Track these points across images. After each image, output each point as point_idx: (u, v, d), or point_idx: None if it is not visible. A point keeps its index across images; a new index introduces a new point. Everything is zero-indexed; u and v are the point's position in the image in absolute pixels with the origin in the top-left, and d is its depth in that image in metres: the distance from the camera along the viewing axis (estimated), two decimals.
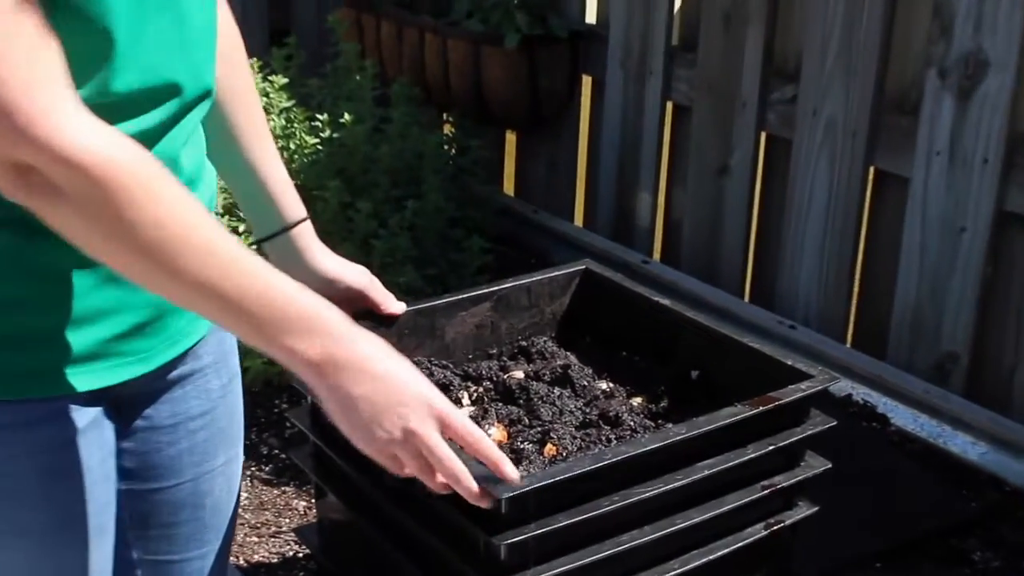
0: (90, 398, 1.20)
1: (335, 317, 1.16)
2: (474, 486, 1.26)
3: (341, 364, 1.15)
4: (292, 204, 1.50)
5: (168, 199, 1.07)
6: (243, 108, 1.41)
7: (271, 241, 1.51)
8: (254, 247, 1.53)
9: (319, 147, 2.96)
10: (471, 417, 1.64)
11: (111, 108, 1.09)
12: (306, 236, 1.52)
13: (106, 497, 1.25)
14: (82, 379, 1.18)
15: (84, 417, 1.20)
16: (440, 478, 1.24)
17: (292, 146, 2.96)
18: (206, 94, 1.22)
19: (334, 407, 1.18)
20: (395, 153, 3.01)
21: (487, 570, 1.43)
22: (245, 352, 1.60)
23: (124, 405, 1.27)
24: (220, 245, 1.09)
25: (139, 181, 1.05)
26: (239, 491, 1.44)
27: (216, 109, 1.35)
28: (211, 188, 1.30)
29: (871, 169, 2.72)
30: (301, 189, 2.92)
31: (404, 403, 1.18)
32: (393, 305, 1.68)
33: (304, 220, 1.51)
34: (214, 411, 1.35)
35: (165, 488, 1.32)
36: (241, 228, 2.76)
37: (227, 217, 2.78)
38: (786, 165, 2.86)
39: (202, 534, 1.37)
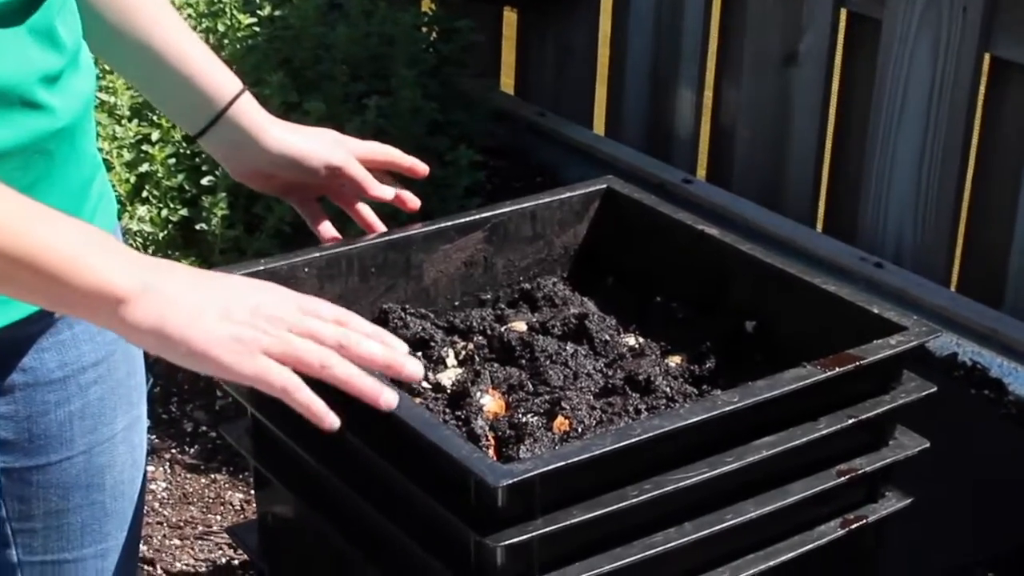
0: None
1: (145, 255, 1.19)
2: (390, 352, 1.26)
3: (162, 287, 1.17)
4: (219, 79, 1.52)
5: None
6: None
7: (208, 134, 1.53)
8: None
9: (256, 29, 2.95)
10: (457, 382, 1.66)
11: None
12: (250, 112, 1.54)
13: None
14: None
15: None
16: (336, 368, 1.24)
17: (221, 28, 2.96)
18: None
19: (171, 338, 1.17)
20: (356, 37, 3.00)
21: None
22: None
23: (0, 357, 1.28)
24: None
25: None
26: (146, 468, 1.45)
27: None
28: (90, 72, 1.31)
29: (986, 57, 2.71)
30: None
31: (251, 291, 1.22)
32: (378, 188, 1.69)
33: (242, 93, 1.53)
34: (111, 358, 1.36)
35: (52, 464, 1.33)
36: (155, 135, 2.76)
37: (136, 121, 2.78)
38: (873, 52, 2.85)
39: (101, 523, 1.38)
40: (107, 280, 1.14)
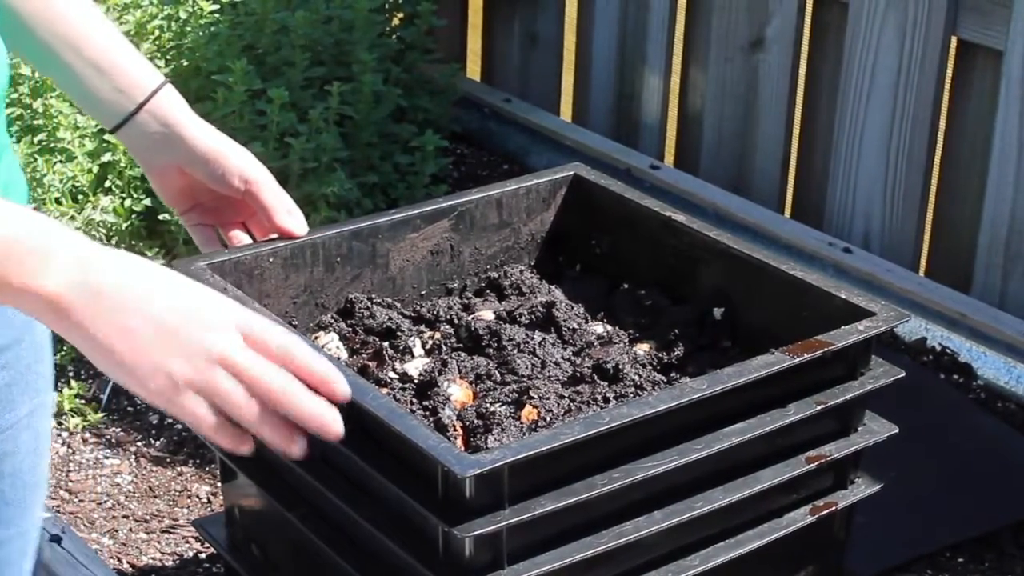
0: None
1: (78, 237, 1.16)
2: (340, 388, 1.25)
3: (95, 290, 1.14)
4: (137, 73, 1.50)
5: None
6: None
7: (126, 129, 1.52)
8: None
9: (218, 16, 2.94)
10: (424, 372, 1.66)
11: None
12: (171, 107, 1.52)
13: None
14: None
15: None
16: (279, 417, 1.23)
17: (183, 15, 2.94)
18: None
19: (99, 350, 1.16)
20: (315, 21, 2.99)
21: (448, 571, 1.45)
22: None
23: None
24: None
25: None
26: (48, 452, 1.44)
27: None
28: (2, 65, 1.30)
29: (953, 40, 2.72)
30: (198, 73, 2.90)
31: (195, 321, 1.18)
32: (286, 218, 1.67)
33: (162, 87, 1.52)
34: (19, 345, 1.35)
35: None
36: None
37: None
38: (840, 36, 2.86)
39: None
40: (37, 283, 1.13)
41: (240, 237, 1.68)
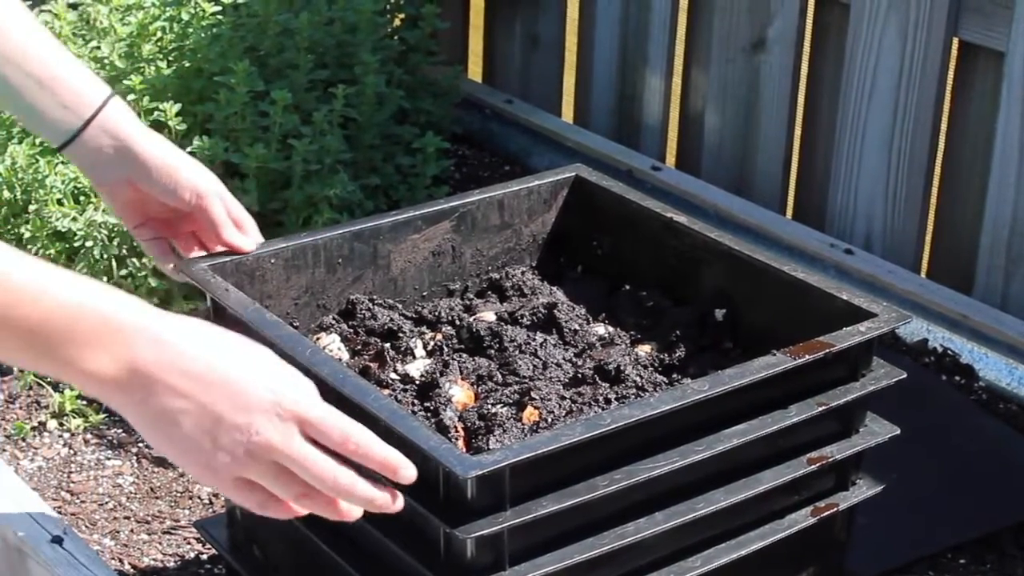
0: None
1: (131, 311, 1.15)
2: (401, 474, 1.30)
3: (146, 372, 1.15)
4: (80, 89, 1.49)
5: None
6: None
7: (75, 144, 1.50)
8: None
9: (220, 18, 2.94)
10: (426, 373, 1.66)
11: None
12: (120, 119, 1.51)
13: None
14: None
15: None
16: (341, 502, 1.27)
17: (185, 16, 2.94)
18: None
19: (151, 432, 1.18)
20: (318, 23, 2.99)
21: (450, 572, 1.45)
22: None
23: None
24: None
25: None
26: None
27: None
28: None
29: (954, 41, 2.72)
30: (200, 74, 2.90)
31: (243, 407, 1.18)
32: (233, 233, 1.66)
33: (108, 101, 1.50)
34: None
35: None
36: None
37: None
38: (841, 37, 2.86)
39: None
40: (89, 368, 1.14)
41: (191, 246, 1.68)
